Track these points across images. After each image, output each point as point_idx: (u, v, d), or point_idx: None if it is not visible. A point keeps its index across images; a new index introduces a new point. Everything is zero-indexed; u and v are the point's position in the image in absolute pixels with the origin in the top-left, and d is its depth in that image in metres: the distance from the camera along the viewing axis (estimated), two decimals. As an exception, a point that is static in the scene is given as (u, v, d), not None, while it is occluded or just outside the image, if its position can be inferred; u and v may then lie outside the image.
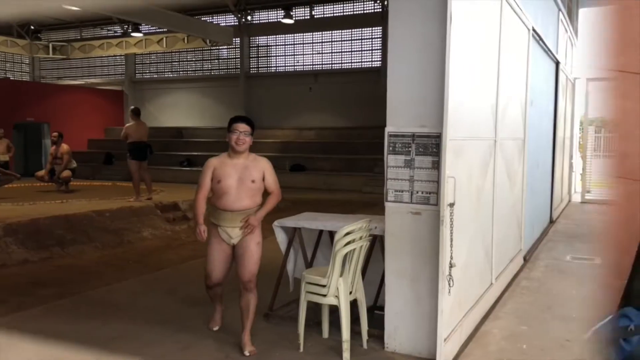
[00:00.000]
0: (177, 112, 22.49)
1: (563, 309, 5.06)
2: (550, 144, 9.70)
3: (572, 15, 12.83)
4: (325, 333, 4.27)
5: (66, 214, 8.25)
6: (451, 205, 3.71)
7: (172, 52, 22.31)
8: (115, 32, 22.47)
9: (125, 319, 4.79)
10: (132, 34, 20.09)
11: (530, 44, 6.49)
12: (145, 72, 23.89)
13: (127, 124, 10.71)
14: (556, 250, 7.69)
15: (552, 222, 10.01)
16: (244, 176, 3.93)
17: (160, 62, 23.48)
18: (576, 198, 13.84)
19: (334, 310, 4.07)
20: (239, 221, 3.96)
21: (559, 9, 9.56)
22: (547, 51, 8.37)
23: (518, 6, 5.57)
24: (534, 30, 6.61)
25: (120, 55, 23.09)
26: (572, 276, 6.27)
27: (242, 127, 3.98)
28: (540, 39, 7.35)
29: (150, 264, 7.06)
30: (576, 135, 14.50)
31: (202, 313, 4.76)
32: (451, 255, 3.73)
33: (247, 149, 4.00)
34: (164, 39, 19.47)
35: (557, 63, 9.63)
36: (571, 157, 13.74)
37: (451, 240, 3.73)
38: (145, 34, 20.32)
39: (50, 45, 22.93)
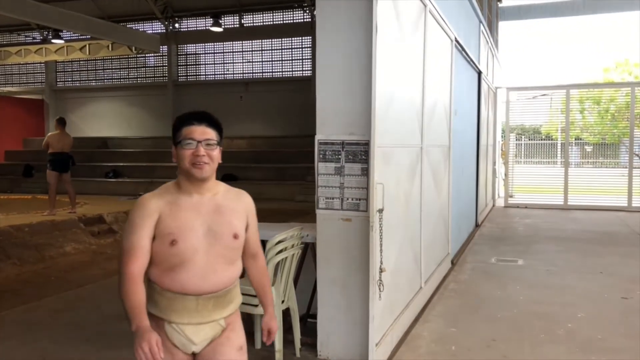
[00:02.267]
0: (102, 121, 21.71)
1: (489, 310, 5.24)
2: (474, 151, 10.07)
3: (492, 28, 13.44)
4: (258, 343, 4.21)
5: (-20, 230, 7.76)
6: (380, 211, 3.77)
7: (95, 59, 21.55)
8: (34, 38, 21.45)
9: (46, 338, 4.53)
10: (53, 41, 19.23)
11: (453, 54, 6.73)
12: (68, 81, 22.94)
13: (50, 133, 10.30)
14: (482, 253, 7.97)
15: (477, 226, 10.37)
16: (218, 226, 2.13)
17: (84, 70, 22.62)
18: (500, 202, 14.45)
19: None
20: (209, 313, 2.14)
21: (480, 21, 9.98)
22: (470, 61, 8.70)
23: (441, 17, 5.75)
24: (456, 41, 6.85)
25: (40, 63, 22.05)
26: (497, 278, 6.51)
27: (203, 132, 2.12)
28: (463, 49, 7.63)
29: (73, 279, 6.74)
30: (498, 142, 15.15)
31: (128, 330, 4.58)
32: (381, 261, 3.79)
33: (213, 173, 2.18)
34: (87, 46, 18.76)
35: (480, 73, 10.03)
36: (494, 163, 14.34)
37: (381, 245, 3.78)
38: (66, 40, 19.51)
39: (-38, 51, 21.59)
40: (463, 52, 7.76)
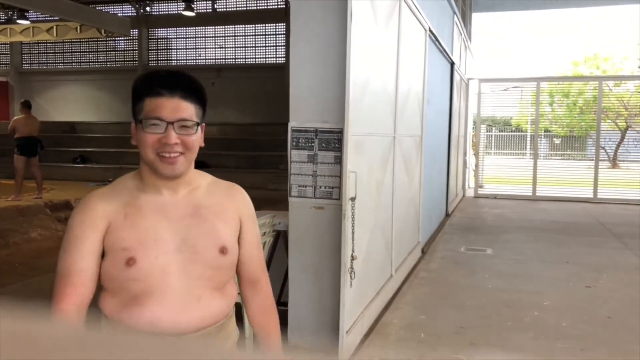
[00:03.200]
0: (70, 105, 21.23)
1: (458, 298, 5.32)
2: (446, 141, 10.16)
3: (465, 19, 13.52)
4: (228, 331, 4.19)
5: (-59, 215, 7.54)
6: (353, 199, 3.77)
7: (63, 41, 21.00)
8: (-1, 18, 20.80)
9: (9, 326, 4.43)
10: (18, 21, 18.66)
11: (427, 44, 6.75)
12: (34, 63, 22.32)
13: (16, 117, 10.03)
14: (452, 242, 8.06)
15: (447, 215, 10.49)
16: (197, 236, 1.51)
17: (51, 52, 22.04)
18: (470, 193, 14.63)
19: (237, 308, 4.00)
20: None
21: (454, 12, 10.02)
22: (443, 52, 8.75)
23: (416, 7, 5.76)
24: (430, 31, 6.87)
25: (5, 44, 21.39)
26: (466, 266, 6.61)
27: (176, 107, 1.44)
28: (437, 39, 7.65)
29: (39, 266, 6.60)
30: (469, 133, 15.33)
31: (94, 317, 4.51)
32: (353, 249, 3.79)
33: (190, 164, 1.54)
34: (55, 27, 18.24)
35: (452, 64, 10.09)
36: (465, 153, 14.50)
37: (353, 233, 3.79)
38: (33, 21, 18.95)
39: None
40: (437, 43, 7.79)
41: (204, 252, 1.50)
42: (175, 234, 1.48)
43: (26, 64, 22.31)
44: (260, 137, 17.82)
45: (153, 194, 1.51)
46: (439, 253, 7.29)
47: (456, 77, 10.77)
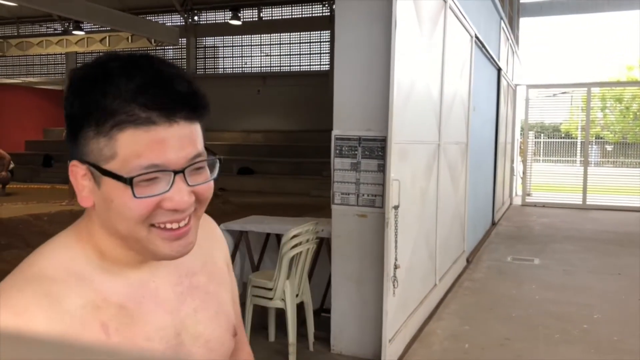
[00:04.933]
0: (121, 113, 21.93)
1: (503, 309, 5.21)
2: (492, 148, 9.98)
3: (513, 24, 13.29)
4: (272, 336, 4.24)
5: (1, 218, 7.89)
6: (396, 207, 3.76)
7: (115, 51, 21.74)
8: (56, 29, 21.70)
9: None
10: (74, 32, 19.45)
11: (473, 50, 6.67)
12: (88, 72, 23.19)
13: None
14: (498, 251, 7.91)
15: (494, 224, 10.30)
16: (206, 326, 0.88)
17: (104, 62, 22.85)
18: (517, 201, 14.32)
19: (281, 314, 4.05)
20: None
21: (501, 18, 9.87)
22: (490, 58, 8.62)
23: (461, 13, 5.70)
24: (476, 37, 6.79)
25: (61, 54, 22.32)
26: (512, 277, 6.47)
27: (181, 136, 0.73)
28: (483, 46, 7.55)
29: (90, 269, 6.83)
30: (517, 140, 15.01)
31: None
32: (396, 257, 3.78)
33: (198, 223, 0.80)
34: (107, 37, 18.96)
35: (499, 70, 9.93)
36: (512, 161, 14.21)
37: (396, 242, 3.77)
38: (87, 32, 19.73)
39: (-15, 42, 21.91)
40: (483, 49, 7.69)
41: (221, 346, 0.91)
42: (170, 327, 0.84)
43: (80, 73, 23.20)
44: (304, 144, 17.95)
45: (125, 273, 0.82)
46: (484, 262, 7.17)
47: (503, 83, 10.59)
